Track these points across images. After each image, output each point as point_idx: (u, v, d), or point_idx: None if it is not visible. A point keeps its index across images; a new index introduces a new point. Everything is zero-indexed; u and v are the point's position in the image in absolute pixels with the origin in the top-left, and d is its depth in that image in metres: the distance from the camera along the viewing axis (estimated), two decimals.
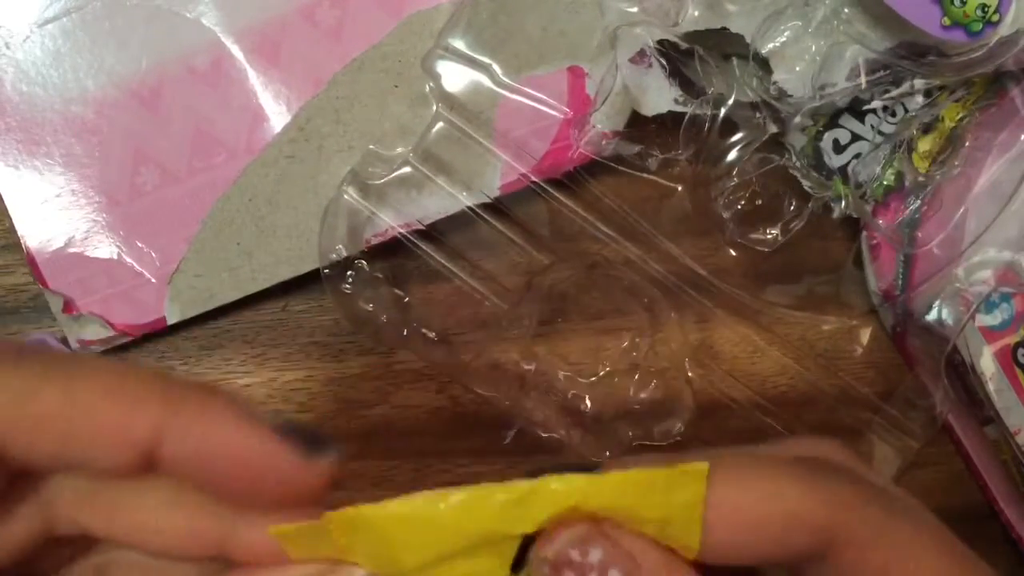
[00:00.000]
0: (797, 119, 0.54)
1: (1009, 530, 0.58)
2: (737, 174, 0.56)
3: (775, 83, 0.53)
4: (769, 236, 0.56)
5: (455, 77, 0.57)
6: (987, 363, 0.53)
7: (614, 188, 0.59)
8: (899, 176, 0.55)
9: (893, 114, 0.55)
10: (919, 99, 0.55)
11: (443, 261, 0.58)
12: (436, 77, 0.56)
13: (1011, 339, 0.53)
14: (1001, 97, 0.53)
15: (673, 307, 0.58)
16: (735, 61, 0.54)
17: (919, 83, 0.54)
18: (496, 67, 0.56)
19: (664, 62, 0.55)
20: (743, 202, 0.57)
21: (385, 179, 0.57)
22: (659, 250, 0.58)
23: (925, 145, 0.55)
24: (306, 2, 0.58)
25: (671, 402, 0.57)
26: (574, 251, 0.59)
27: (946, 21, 0.50)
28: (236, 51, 0.58)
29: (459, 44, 0.56)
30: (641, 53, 0.55)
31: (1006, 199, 0.51)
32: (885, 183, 0.55)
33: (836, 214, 0.56)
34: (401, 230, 0.57)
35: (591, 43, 0.56)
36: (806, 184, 0.55)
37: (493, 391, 0.58)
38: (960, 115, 0.54)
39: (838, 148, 0.55)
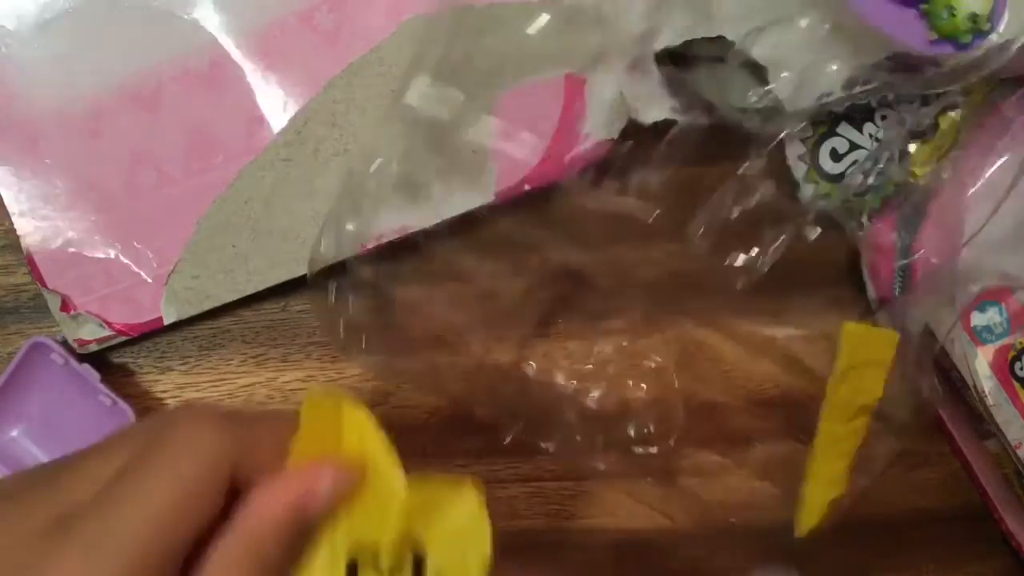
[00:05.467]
0: (786, 132, 0.54)
1: (1008, 537, 0.58)
2: (716, 204, 0.56)
3: (769, 91, 0.54)
4: (749, 261, 0.57)
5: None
6: (984, 378, 0.53)
7: (594, 211, 0.59)
8: (896, 184, 0.55)
9: (893, 125, 0.55)
10: (915, 107, 0.55)
11: (429, 276, 0.60)
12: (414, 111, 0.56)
13: (1007, 353, 0.53)
14: (997, 105, 0.52)
15: (658, 324, 0.58)
16: (728, 70, 0.54)
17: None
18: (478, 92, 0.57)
19: (660, 71, 0.55)
20: (719, 235, 0.57)
21: (373, 198, 0.57)
22: (643, 268, 0.59)
23: (922, 154, 0.55)
24: (304, 5, 0.58)
25: (662, 412, 0.58)
26: (560, 268, 0.59)
27: (933, 36, 0.50)
28: (234, 53, 0.58)
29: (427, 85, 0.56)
30: (638, 61, 0.56)
31: (1001, 206, 0.51)
32: (882, 191, 0.55)
33: (813, 237, 0.57)
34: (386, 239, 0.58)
35: (586, 52, 0.57)
36: (807, 195, 0.55)
37: (489, 406, 0.59)
38: (956, 123, 0.54)
39: (836, 156, 0.55)
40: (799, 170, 0.56)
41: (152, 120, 0.58)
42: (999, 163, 0.51)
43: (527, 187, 0.57)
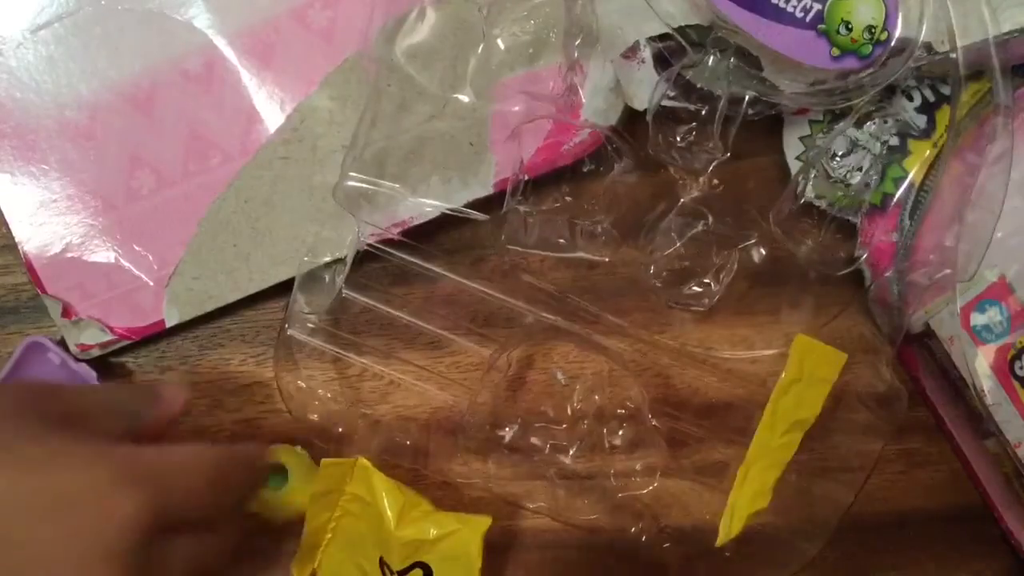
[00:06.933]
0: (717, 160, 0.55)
1: (1008, 536, 0.58)
2: (660, 242, 0.57)
3: (765, 78, 0.53)
4: (701, 291, 0.58)
5: None
6: (984, 377, 0.52)
7: (547, 272, 0.60)
8: (895, 183, 0.55)
9: (887, 121, 0.54)
10: (913, 106, 0.55)
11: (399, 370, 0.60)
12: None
13: (1007, 352, 0.52)
14: (996, 105, 0.52)
15: (626, 367, 0.58)
16: (723, 57, 0.53)
17: (915, 93, 0.54)
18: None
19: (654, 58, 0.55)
20: (671, 267, 0.58)
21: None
22: (604, 320, 0.59)
23: (921, 153, 0.54)
24: (298, 3, 0.57)
25: (644, 454, 0.58)
26: (520, 333, 0.60)
27: (835, 52, 0.51)
28: (229, 53, 0.58)
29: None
30: (633, 48, 0.55)
31: (1000, 206, 0.50)
32: (882, 190, 0.55)
33: (757, 258, 0.57)
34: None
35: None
36: (812, 194, 0.55)
37: (468, 476, 0.60)
38: (955, 122, 0.53)
39: (835, 156, 0.55)
40: (790, 186, 0.56)
41: (149, 122, 0.58)
42: (999, 163, 0.51)
43: (527, 177, 0.57)
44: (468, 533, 0.55)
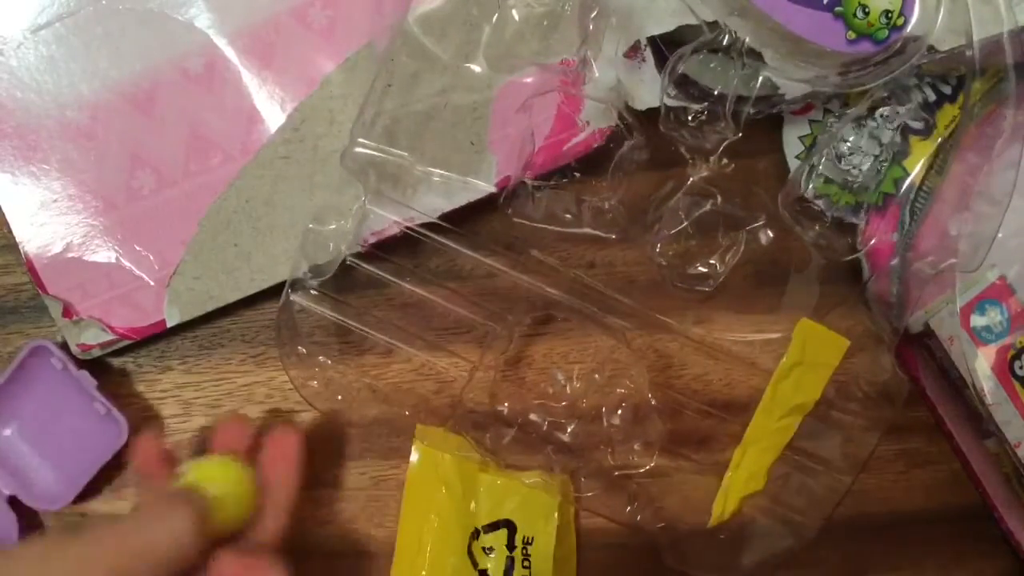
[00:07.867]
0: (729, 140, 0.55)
1: (1008, 536, 0.58)
2: (668, 221, 0.57)
3: (766, 77, 0.53)
4: (706, 272, 0.58)
5: None
6: (984, 378, 0.52)
7: (553, 247, 0.60)
8: (895, 182, 0.55)
9: (891, 121, 0.54)
10: (914, 106, 0.54)
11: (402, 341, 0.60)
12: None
13: (1007, 353, 0.52)
14: (997, 105, 0.52)
15: (630, 347, 0.58)
16: (724, 57, 0.53)
17: (915, 92, 0.54)
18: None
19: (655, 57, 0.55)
20: (677, 246, 0.58)
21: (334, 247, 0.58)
22: (609, 297, 0.59)
23: (921, 152, 0.54)
24: (298, 3, 0.57)
25: (642, 433, 0.58)
26: (521, 310, 0.60)
27: (851, 35, 0.50)
28: (229, 53, 0.58)
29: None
30: (635, 47, 0.55)
31: (1008, 197, 0.50)
32: (882, 189, 0.55)
33: (764, 241, 0.57)
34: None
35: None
36: (807, 194, 0.55)
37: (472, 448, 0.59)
38: (956, 122, 0.53)
39: (836, 155, 0.55)
40: (798, 169, 0.55)
41: (149, 122, 0.58)
42: (999, 162, 0.51)
43: (528, 176, 0.57)
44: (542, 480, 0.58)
